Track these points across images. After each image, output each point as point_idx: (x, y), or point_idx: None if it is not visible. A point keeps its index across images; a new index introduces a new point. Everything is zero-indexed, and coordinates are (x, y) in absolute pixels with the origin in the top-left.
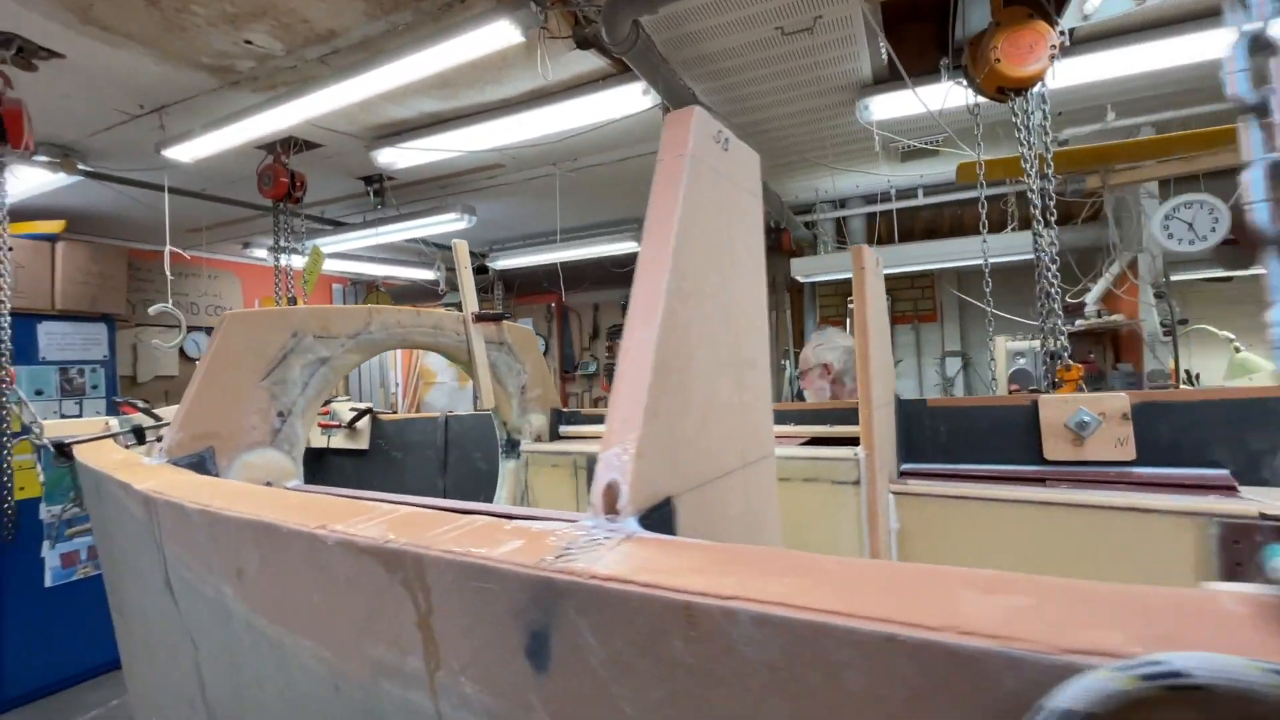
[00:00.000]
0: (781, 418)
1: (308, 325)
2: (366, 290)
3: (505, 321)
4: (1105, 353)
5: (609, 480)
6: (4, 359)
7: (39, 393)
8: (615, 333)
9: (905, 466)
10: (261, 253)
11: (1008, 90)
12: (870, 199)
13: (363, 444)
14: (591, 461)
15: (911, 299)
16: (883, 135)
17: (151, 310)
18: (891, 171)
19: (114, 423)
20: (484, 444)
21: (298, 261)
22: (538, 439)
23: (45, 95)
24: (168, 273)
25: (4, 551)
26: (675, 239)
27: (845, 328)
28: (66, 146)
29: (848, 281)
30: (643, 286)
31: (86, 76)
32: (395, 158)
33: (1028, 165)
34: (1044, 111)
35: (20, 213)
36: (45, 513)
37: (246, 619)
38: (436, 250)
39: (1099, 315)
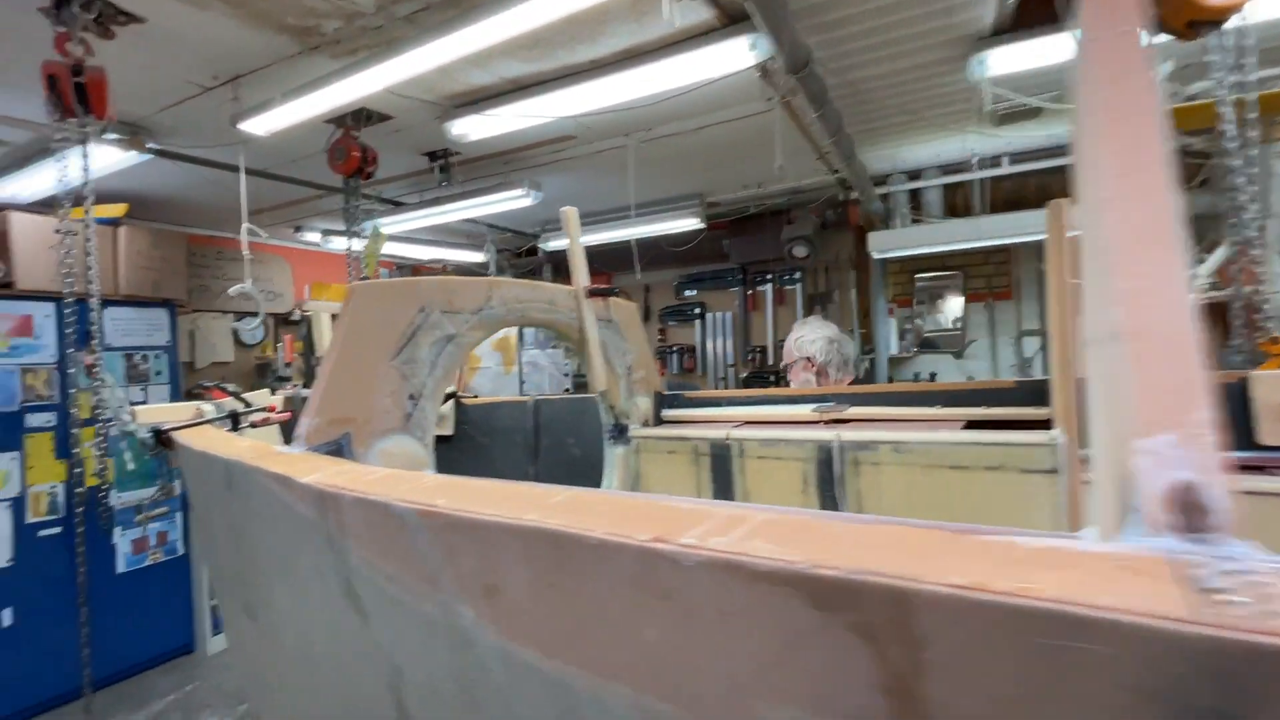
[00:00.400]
0: (927, 399)
1: (435, 298)
2: (412, 274)
3: (613, 298)
4: (1215, 329)
5: (1179, 481)
6: (94, 343)
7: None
8: (669, 315)
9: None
10: (313, 236)
11: (1200, 24)
12: (949, 169)
13: (446, 429)
14: (717, 448)
15: (985, 275)
16: (996, 93)
17: (232, 291)
18: (987, 137)
19: (207, 408)
20: (577, 429)
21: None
22: (644, 423)
23: (117, 67)
24: (245, 252)
25: (77, 539)
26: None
27: (911, 306)
28: (135, 123)
29: (919, 258)
30: (1135, 201)
31: (163, 44)
32: (469, 128)
33: (1226, 111)
34: (1243, 48)
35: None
36: (116, 499)
37: (501, 649)
38: (487, 231)
39: (1215, 287)
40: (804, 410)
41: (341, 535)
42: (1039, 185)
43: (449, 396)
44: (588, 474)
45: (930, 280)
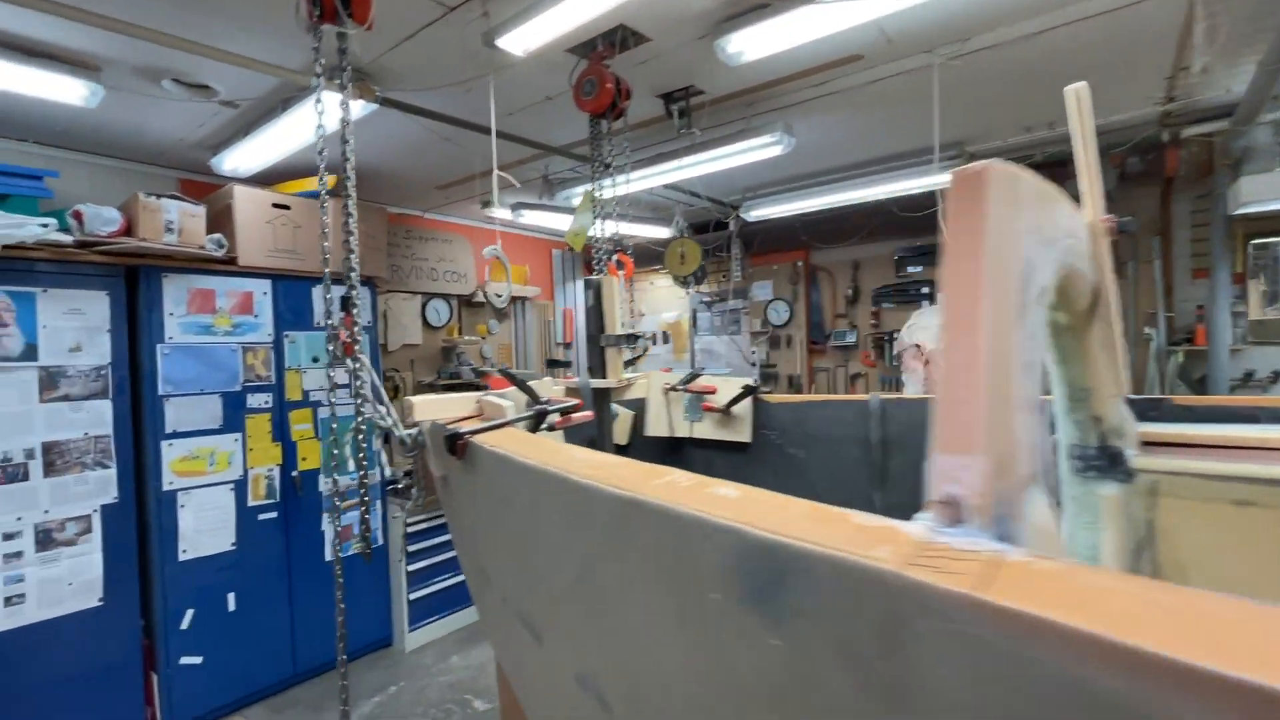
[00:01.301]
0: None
1: (1036, 215)
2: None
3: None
4: None
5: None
6: (356, 328)
7: (315, 360)
8: (886, 295)
9: None
10: (503, 213)
11: None
12: None
13: (742, 434)
14: None
15: None
16: None
17: (485, 252)
18: None
19: (505, 404)
20: None
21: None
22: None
23: None
24: (495, 204)
25: (290, 524)
26: None
27: (1244, 282)
28: (361, 70)
29: (1261, 217)
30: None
31: None
32: (748, 44)
33: None
34: None
35: (289, 170)
36: (324, 484)
37: None
38: (676, 202)
39: None
40: None
41: None
42: None
43: (747, 393)
44: None
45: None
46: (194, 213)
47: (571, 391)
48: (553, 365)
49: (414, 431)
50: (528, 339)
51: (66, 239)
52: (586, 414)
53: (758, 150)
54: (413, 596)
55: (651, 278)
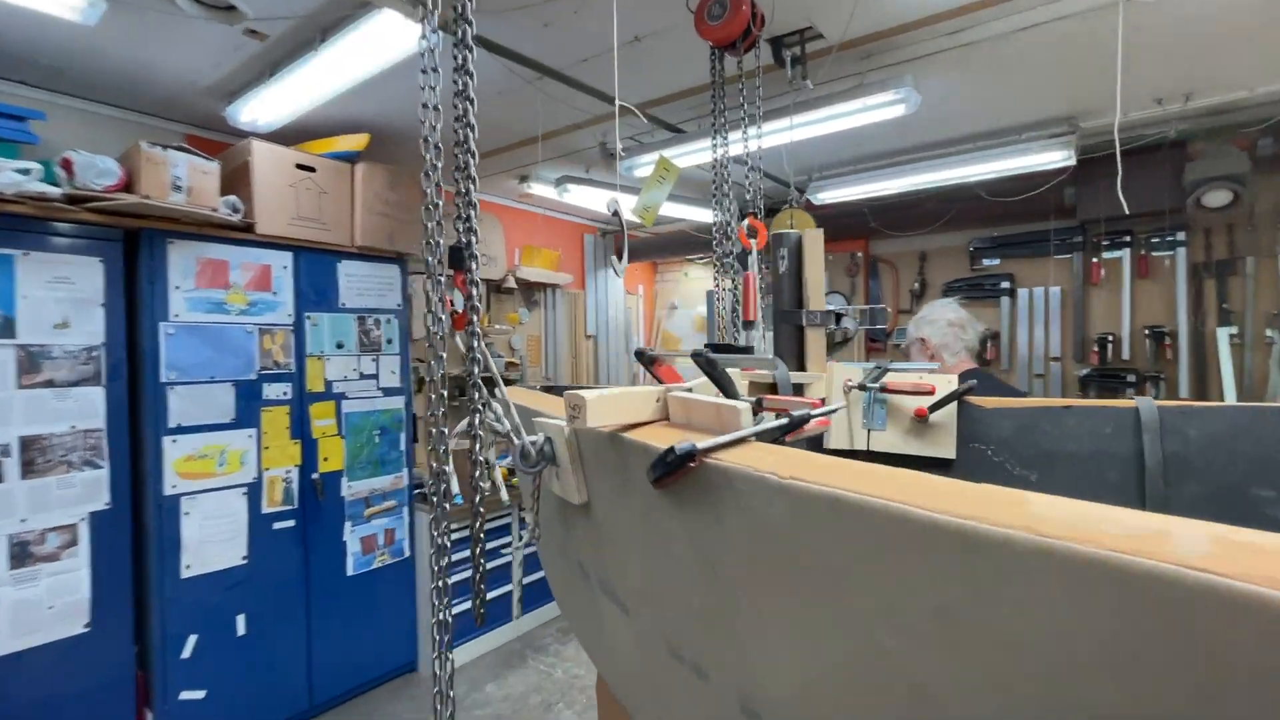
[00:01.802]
0: None
1: None
2: (615, 242)
3: None
4: None
5: None
6: (475, 292)
7: (340, 345)
8: (958, 290)
9: None
10: (543, 190)
11: None
12: None
13: (943, 448)
14: None
15: None
16: None
17: (610, 204)
18: None
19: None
20: (1273, 472)
21: (588, 201)
22: None
23: None
24: (616, 138)
25: (310, 535)
26: None
27: None
28: None
29: None
30: None
31: None
32: None
33: None
34: None
35: (314, 128)
36: (346, 488)
37: None
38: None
39: None
40: None
41: None
42: None
43: (957, 393)
44: None
45: None
46: (206, 169)
47: (759, 388)
48: (641, 357)
49: (539, 440)
50: (557, 330)
51: (54, 191)
52: (825, 418)
53: (878, 109)
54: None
55: (686, 268)
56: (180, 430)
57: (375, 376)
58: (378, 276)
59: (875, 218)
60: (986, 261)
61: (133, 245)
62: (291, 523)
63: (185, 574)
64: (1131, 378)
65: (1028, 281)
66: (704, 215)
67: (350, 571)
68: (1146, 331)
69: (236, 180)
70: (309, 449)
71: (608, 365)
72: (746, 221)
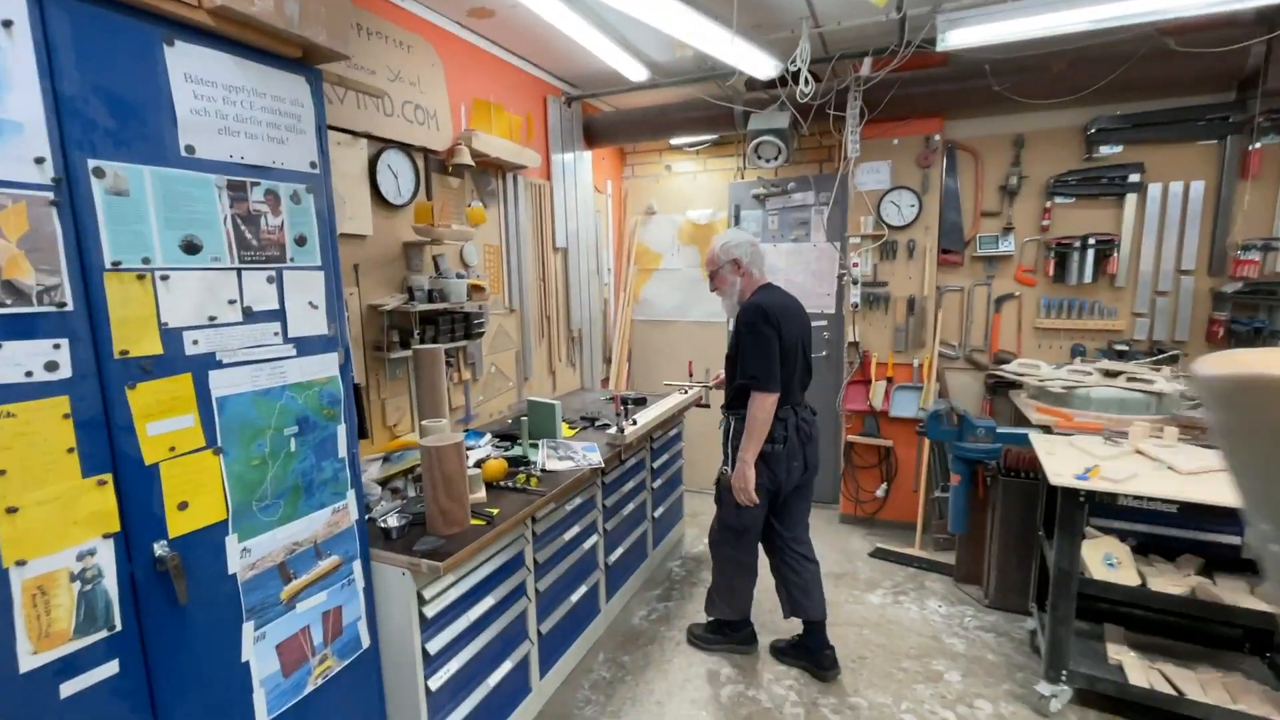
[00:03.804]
0: None
1: None
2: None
3: None
4: None
5: None
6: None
7: (190, 248)
8: (1068, 186)
9: None
10: None
11: None
12: None
13: None
14: None
15: None
16: None
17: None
18: None
19: None
20: None
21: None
22: None
23: None
24: None
25: (159, 681)
26: None
27: None
28: None
29: None
30: None
31: None
32: None
33: None
34: None
35: None
36: (237, 557)
37: None
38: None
39: None
40: None
41: None
42: None
43: None
44: None
45: None
46: None
47: None
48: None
49: None
50: (520, 238)
51: None
52: None
53: None
54: (434, 684)
55: (668, 158)
56: None
57: (279, 315)
58: (263, 94)
59: (993, 82)
60: (1105, 149)
61: None
62: (109, 670)
63: None
64: None
65: (1160, 175)
66: (761, 62)
67: (266, 718)
68: None
69: None
70: (135, 491)
71: (580, 291)
72: None
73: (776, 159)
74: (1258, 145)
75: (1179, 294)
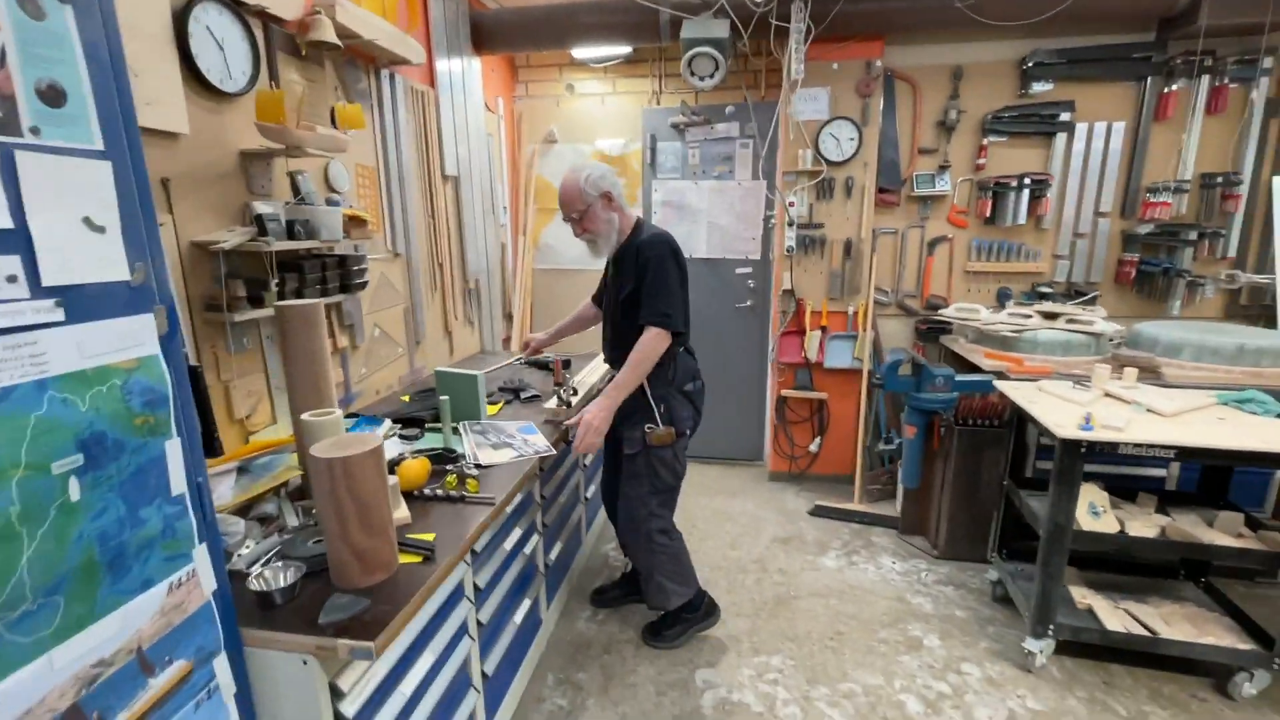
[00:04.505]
0: None
1: None
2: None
3: None
4: None
5: None
6: None
7: None
8: (1003, 122)
9: None
10: None
11: None
12: None
13: None
14: None
15: None
16: None
17: None
18: None
19: None
20: None
21: None
22: None
23: None
24: None
25: None
26: None
27: None
28: None
29: None
30: None
31: None
32: None
33: None
34: None
35: None
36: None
37: None
38: None
39: None
40: None
41: None
42: None
43: None
44: None
45: None
46: None
47: None
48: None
49: None
50: (402, 158)
51: None
52: None
53: None
54: None
55: (569, 76)
56: None
57: (15, 243)
58: None
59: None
60: (1039, 86)
61: None
62: None
63: None
64: (1192, 235)
65: (1088, 115)
66: None
67: None
68: (1205, 180)
69: None
70: None
71: (476, 233)
72: None
73: (713, 76)
74: (1173, 88)
75: (1096, 236)
